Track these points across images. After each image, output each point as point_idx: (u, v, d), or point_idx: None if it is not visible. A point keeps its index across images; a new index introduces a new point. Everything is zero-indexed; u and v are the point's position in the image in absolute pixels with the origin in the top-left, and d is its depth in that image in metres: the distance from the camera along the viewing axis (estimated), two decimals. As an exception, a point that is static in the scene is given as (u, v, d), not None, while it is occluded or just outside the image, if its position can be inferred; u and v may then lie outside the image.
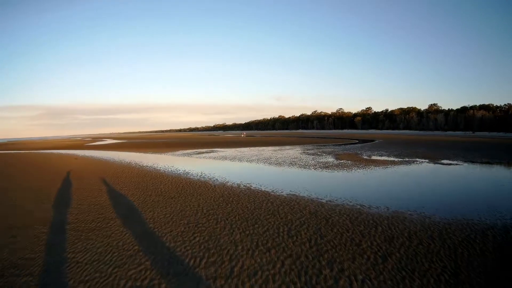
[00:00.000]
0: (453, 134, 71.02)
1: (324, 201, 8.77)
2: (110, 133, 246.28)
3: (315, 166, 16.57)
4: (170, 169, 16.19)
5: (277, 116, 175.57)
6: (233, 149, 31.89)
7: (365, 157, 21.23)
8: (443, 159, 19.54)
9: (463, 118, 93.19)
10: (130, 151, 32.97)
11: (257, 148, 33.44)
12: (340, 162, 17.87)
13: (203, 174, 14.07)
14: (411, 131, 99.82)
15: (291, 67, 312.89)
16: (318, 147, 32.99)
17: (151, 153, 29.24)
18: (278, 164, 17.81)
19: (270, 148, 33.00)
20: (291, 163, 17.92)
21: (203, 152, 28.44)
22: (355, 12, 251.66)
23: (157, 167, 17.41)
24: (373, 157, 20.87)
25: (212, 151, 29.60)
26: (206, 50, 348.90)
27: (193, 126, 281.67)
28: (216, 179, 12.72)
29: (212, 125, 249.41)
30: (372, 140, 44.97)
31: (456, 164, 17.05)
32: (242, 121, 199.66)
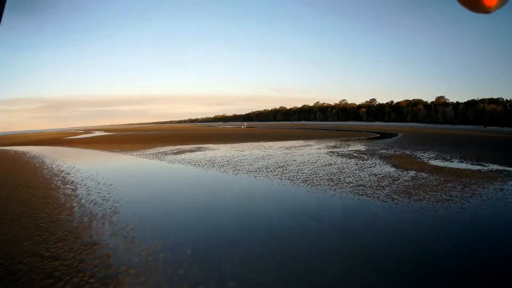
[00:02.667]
0: (464, 128, 63.51)
1: None
2: (110, 125, 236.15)
3: (384, 188, 8.68)
4: (90, 198, 8.33)
5: (278, 107, 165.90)
6: (228, 146, 23.96)
7: (431, 163, 13.59)
8: None
9: (473, 111, 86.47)
10: (96, 149, 25.24)
11: (261, 144, 25.39)
12: (414, 177, 10.13)
13: (142, 228, 6.19)
14: (419, 123, 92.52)
15: (292, 59, 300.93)
16: (341, 142, 25.10)
17: (118, 152, 21.42)
18: (308, 182, 9.86)
19: (278, 144, 24.94)
20: (331, 179, 10.01)
21: (185, 151, 20.38)
22: (359, 4, 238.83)
23: (76, 193, 9.61)
24: (442, 164, 13.23)
25: (200, 149, 21.69)
26: (207, 41, 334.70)
27: (193, 117, 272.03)
28: (167, 257, 4.71)
29: (212, 116, 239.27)
30: (395, 134, 37.13)
31: None
32: (243, 112, 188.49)
